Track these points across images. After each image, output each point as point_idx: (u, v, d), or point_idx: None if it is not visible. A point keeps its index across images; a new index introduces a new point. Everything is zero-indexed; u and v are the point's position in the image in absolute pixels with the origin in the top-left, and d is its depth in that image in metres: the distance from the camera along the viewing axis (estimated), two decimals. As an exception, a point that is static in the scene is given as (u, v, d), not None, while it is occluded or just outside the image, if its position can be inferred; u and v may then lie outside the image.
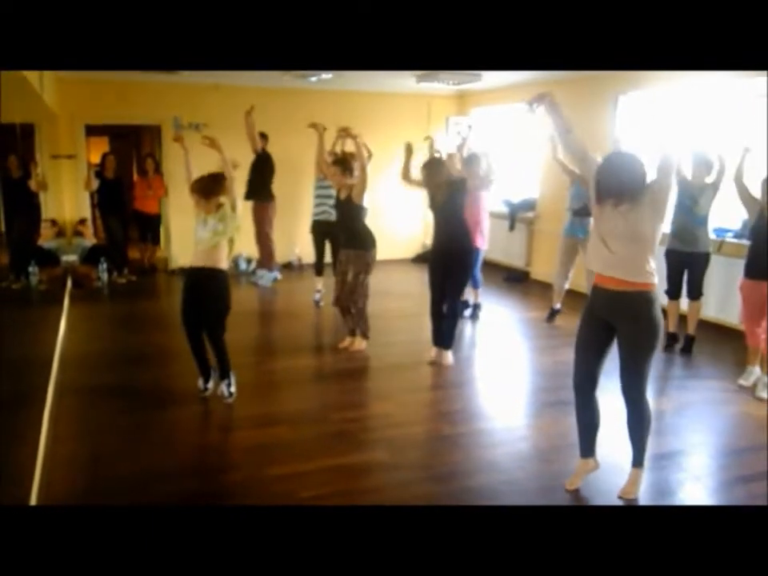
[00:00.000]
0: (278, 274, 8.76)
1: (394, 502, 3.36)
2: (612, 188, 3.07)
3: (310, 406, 4.62)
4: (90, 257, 8.48)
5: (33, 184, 8.38)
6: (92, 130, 9.52)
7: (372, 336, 5.91)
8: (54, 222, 8.58)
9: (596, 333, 3.36)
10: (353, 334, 5.90)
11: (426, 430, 4.31)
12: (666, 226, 3.89)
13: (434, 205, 5.41)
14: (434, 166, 5.39)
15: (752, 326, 4.94)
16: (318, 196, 7.30)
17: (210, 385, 4.64)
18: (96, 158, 9.41)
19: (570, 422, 4.34)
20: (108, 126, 10.23)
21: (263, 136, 8.42)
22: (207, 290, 4.39)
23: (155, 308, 7.89)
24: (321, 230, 7.29)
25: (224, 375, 4.55)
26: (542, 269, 8.80)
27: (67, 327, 6.40)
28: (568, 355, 5.76)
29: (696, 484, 3.64)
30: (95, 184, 8.54)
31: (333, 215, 6.64)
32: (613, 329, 3.29)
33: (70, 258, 8.38)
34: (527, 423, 4.56)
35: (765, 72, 5.42)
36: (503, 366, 5.62)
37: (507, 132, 9.67)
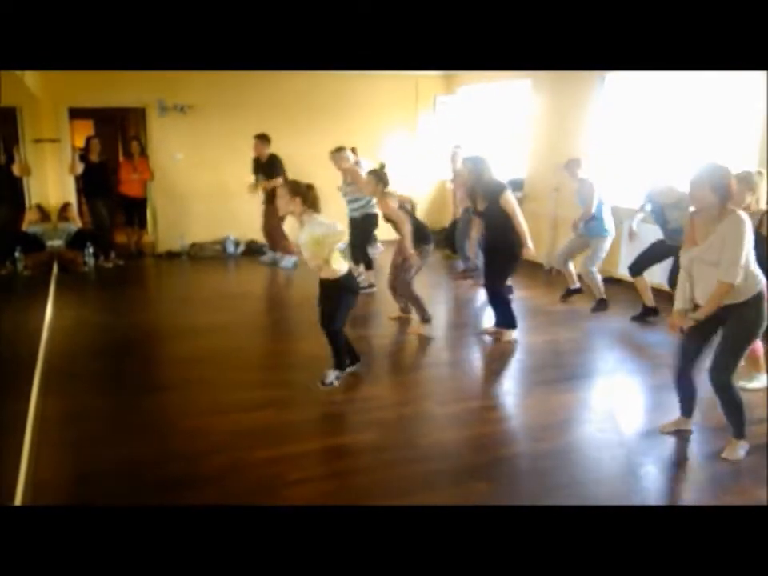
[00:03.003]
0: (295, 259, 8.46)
1: (383, 482, 3.38)
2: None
3: (298, 388, 4.62)
4: (76, 241, 8.40)
5: (16, 169, 8.29)
6: (76, 113, 9.39)
7: (360, 317, 5.91)
8: (39, 207, 8.53)
9: (709, 328, 3.57)
10: (404, 311, 6.07)
11: (415, 411, 4.32)
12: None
13: (474, 208, 5.64)
14: (475, 166, 5.44)
15: None
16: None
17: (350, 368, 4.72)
18: (80, 142, 9.30)
19: (558, 400, 4.38)
20: (92, 109, 10.11)
21: (265, 138, 8.26)
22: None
23: (143, 292, 7.85)
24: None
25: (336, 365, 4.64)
26: (531, 248, 8.77)
27: (54, 312, 6.35)
28: (555, 334, 5.84)
29: (677, 459, 3.68)
30: (80, 168, 8.43)
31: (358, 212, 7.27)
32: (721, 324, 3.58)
33: (56, 242, 8.31)
34: (516, 402, 4.58)
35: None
36: (493, 345, 5.63)
37: (494, 111, 9.62)
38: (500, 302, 5.61)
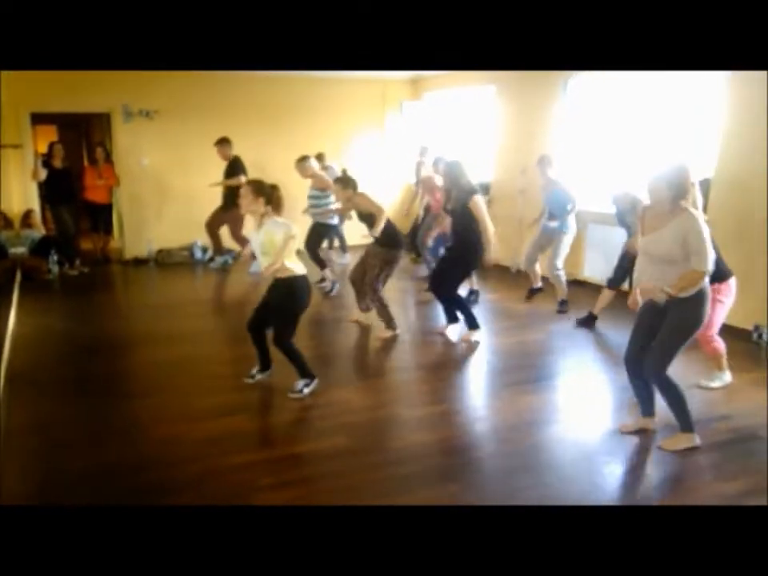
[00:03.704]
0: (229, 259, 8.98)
1: (355, 486, 3.38)
2: None
3: (268, 394, 4.60)
4: (40, 249, 8.27)
5: (-24, 175, 8.14)
6: (38, 119, 9.26)
7: (328, 321, 5.91)
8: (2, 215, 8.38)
9: (655, 318, 3.62)
10: (365, 311, 6.09)
11: (385, 415, 4.34)
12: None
13: (446, 206, 5.76)
14: (451, 169, 5.57)
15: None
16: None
17: (259, 376, 4.72)
18: (43, 148, 9.17)
19: (527, 401, 4.43)
20: (56, 114, 9.97)
21: (225, 141, 8.32)
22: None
23: (109, 299, 7.75)
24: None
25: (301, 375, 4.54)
26: (498, 252, 8.83)
27: (17, 321, 6.25)
28: (524, 336, 5.91)
29: (642, 458, 3.75)
30: (43, 174, 8.29)
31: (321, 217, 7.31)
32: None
33: (19, 250, 8.18)
34: (485, 404, 4.62)
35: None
36: (461, 348, 5.68)
37: (460, 116, 9.70)
38: (453, 302, 5.69)
